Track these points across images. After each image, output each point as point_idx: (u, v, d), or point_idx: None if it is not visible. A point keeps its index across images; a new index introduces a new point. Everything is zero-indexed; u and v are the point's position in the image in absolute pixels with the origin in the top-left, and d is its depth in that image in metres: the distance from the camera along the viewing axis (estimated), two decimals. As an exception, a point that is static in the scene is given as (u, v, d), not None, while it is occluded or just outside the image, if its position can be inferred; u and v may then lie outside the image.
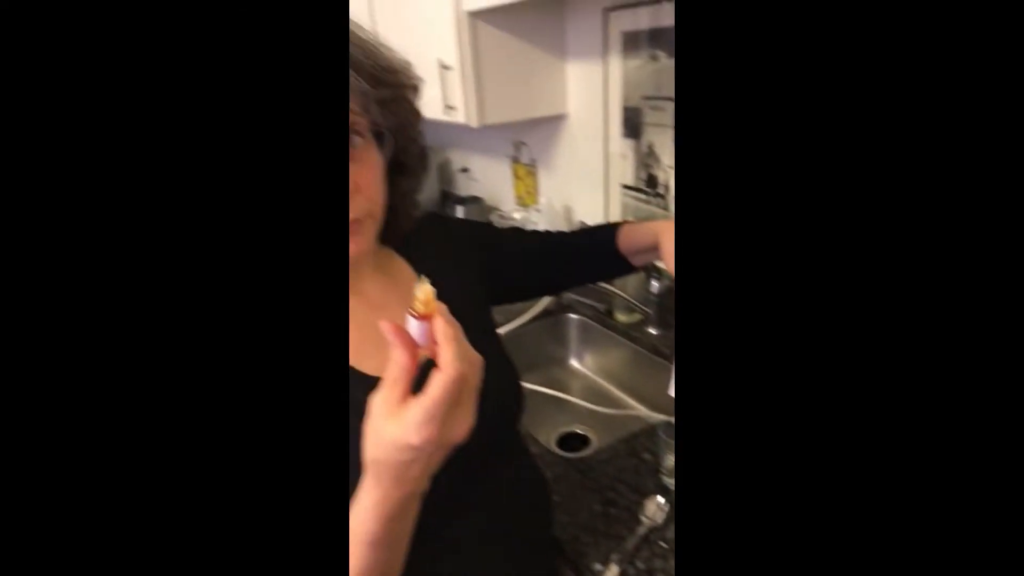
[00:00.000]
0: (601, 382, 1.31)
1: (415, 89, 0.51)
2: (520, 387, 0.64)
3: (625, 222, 0.71)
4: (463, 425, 0.37)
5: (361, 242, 0.48)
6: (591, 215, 1.42)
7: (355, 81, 0.44)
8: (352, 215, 0.45)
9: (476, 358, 0.38)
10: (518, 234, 0.75)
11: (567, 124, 1.41)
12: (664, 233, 0.63)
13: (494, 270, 0.68)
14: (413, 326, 0.37)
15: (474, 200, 1.77)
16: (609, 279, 0.76)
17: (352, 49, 0.44)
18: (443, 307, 0.38)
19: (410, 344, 0.37)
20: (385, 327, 0.37)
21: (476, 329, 0.56)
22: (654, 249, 0.66)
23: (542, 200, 1.46)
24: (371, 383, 0.49)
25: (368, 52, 0.46)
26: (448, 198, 1.87)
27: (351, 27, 0.45)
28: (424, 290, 0.37)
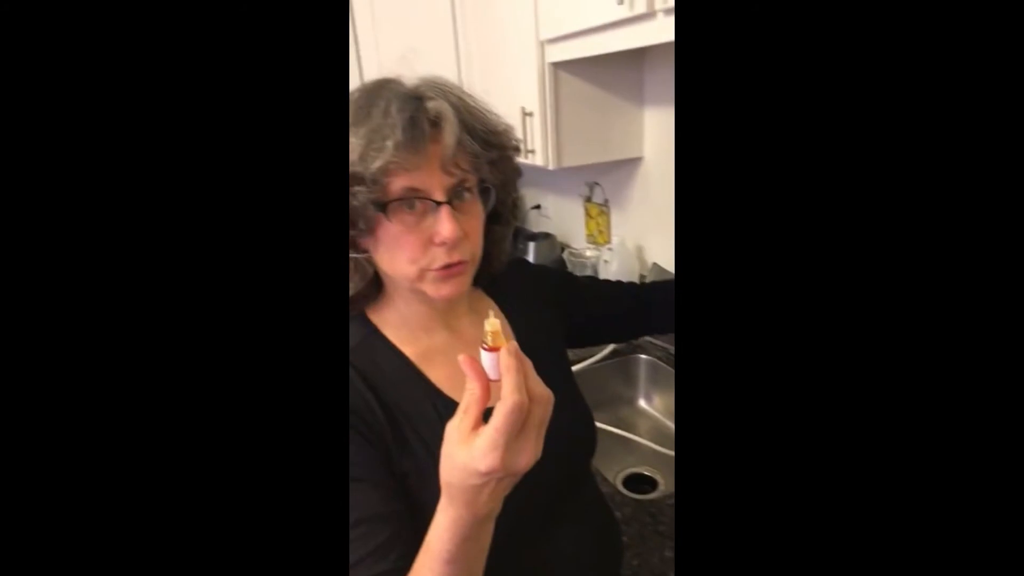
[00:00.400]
0: (669, 424, 1.30)
1: (517, 150, 0.56)
2: (594, 427, 0.66)
3: None
4: (528, 455, 0.38)
5: (463, 283, 0.53)
6: (663, 256, 1.43)
7: (469, 144, 0.49)
8: (458, 258, 0.50)
9: (543, 393, 0.39)
10: (598, 283, 0.80)
11: (642, 167, 1.44)
12: None
13: (572, 314, 0.71)
14: (485, 359, 0.40)
15: (545, 236, 1.81)
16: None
17: (466, 115, 0.50)
18: (513, 342, 0.40)
19: (482, 375, 0.40)
20: (461, 360, 0.40)
21: (551, 367, 0.58)
22: None
23: (615, 239, 1.49)
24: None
25: (479, 118, 0.51)
26: (520, 234, 1.93)
27: (464, 95, 0.51)
28: (492, 323, 0.40)
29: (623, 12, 0.88)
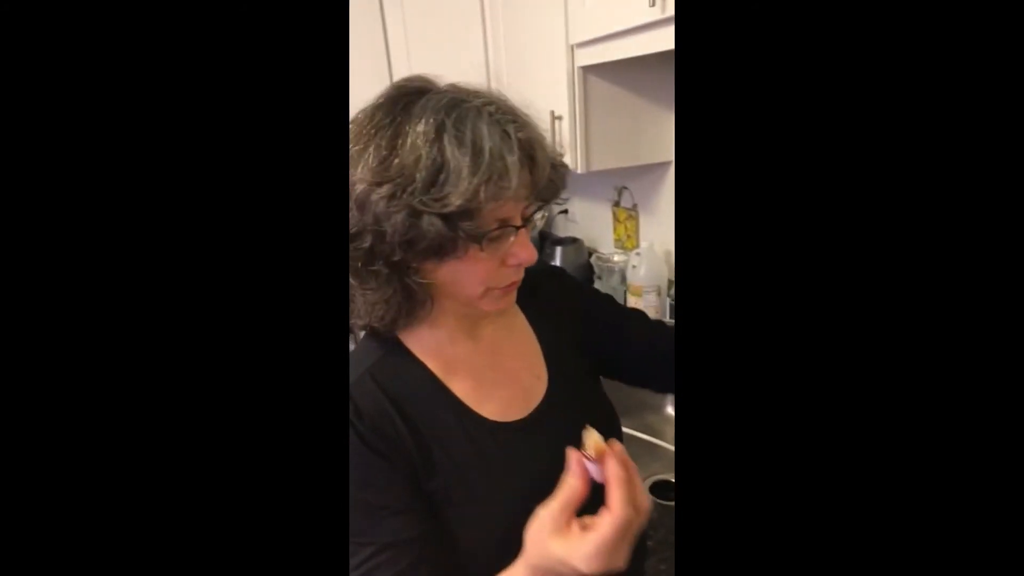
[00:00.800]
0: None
1: (566, 167, 0.55)
2: (619, 425, 0.66)
3: None
4: (622, 560, 0.41)
5: (510, 302, 0.54)
6: (692, 261, 1.42)
7: (551, 171, 0.50)
8: (512, 280, 0.52)
9: (645, 505, 0.42)
10: (639, 320, 0.72)
11: (671, 171, 1.43)
12: None
13: (603, 340, 0.67)
14: (590, 465, 0.43)
15: (572, 241, 1.81)
16: None
17: (535, 147, 0.48)
18: (619, 446, 0.43)
19: (585, 476, 0.43)
20: (571, 456, 0.44)
21: (578, 375, 0.62)
22: None
23: (643, 244, 1.48)
24: (489, 427, 0.55)
25: (542, 143, 0.50)
26: (547, 238, 1.93)
27: (528, 116, 0.50)
28: (592, 438, 0.43)
29: (655, 14, 0.87)
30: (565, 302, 0.67)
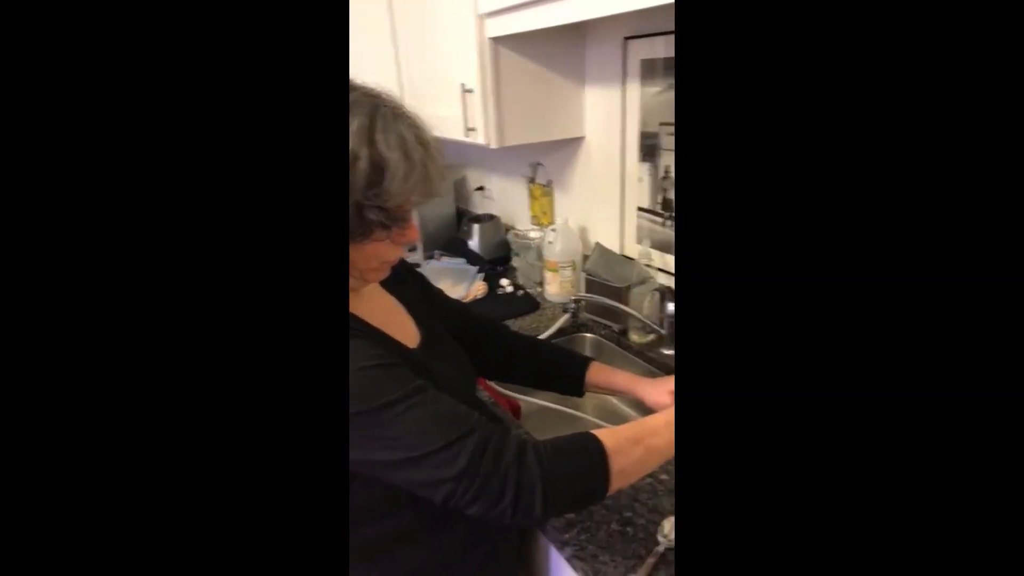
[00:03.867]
0: (615, 402, 1.32)
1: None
2: (473, 371, 0.83)
3: (593, 360, 0.92)
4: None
5: (388, 272, 0.66)
6: (606, 236, 1.44)
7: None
8: (399, 255, 0.65)
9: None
10: (498, 327, 0.97)
11: (584, 147, 1.44)
12: (645, 391, 0.86)
13: (472, 336, 0.87)
14: None
15: (490, 218, 1.79)
16: (560, 393, 0.97)
17: (439, 151, 0.58)
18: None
19: None
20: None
21: (441, 330, 0.80)
22: (620, 392, 0.91)
23: (558, 220, 1.49)
24: (407, 350, 0.68)
25: (439, 145, 0.59)
26: (464, 216, 1.90)
27: (430, 136, 0.58)
28: None
29: (562, -16, 0.86)
30: (425, 291, 0.86)
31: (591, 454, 0.59)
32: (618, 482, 0.60)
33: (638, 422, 0.66)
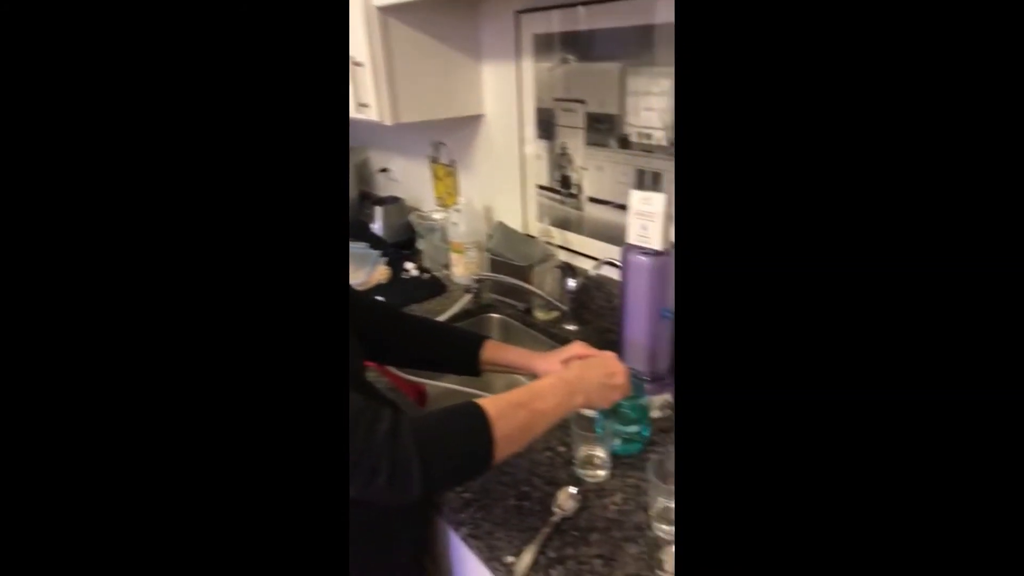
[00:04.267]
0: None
1: None
2: (360, 354, 0.80)
3: (488, 339, 0.89)
4: None
5: None
6: (510, 215, 1.43)
7: None
8: None
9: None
10: (392, 311, 0.95)
11: (484, 125, 1.42)
12: (538, 364, 0.86)
13: (372, 325, 0.86)
14: None
15: (394, 200, 1.74)
16: (456, 374, 0.97)
17: None
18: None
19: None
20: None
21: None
22: (516, 369, 0.88)
23: (462, 200, 1.46)
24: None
25: None
26: (367, 198, 1.83)
27: None
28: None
29: (442, -51, 0.83)
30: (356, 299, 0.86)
31: (472, 419, 0.57)
32: (504, 448, 0.58)
33: (524, 387, 0.65)
